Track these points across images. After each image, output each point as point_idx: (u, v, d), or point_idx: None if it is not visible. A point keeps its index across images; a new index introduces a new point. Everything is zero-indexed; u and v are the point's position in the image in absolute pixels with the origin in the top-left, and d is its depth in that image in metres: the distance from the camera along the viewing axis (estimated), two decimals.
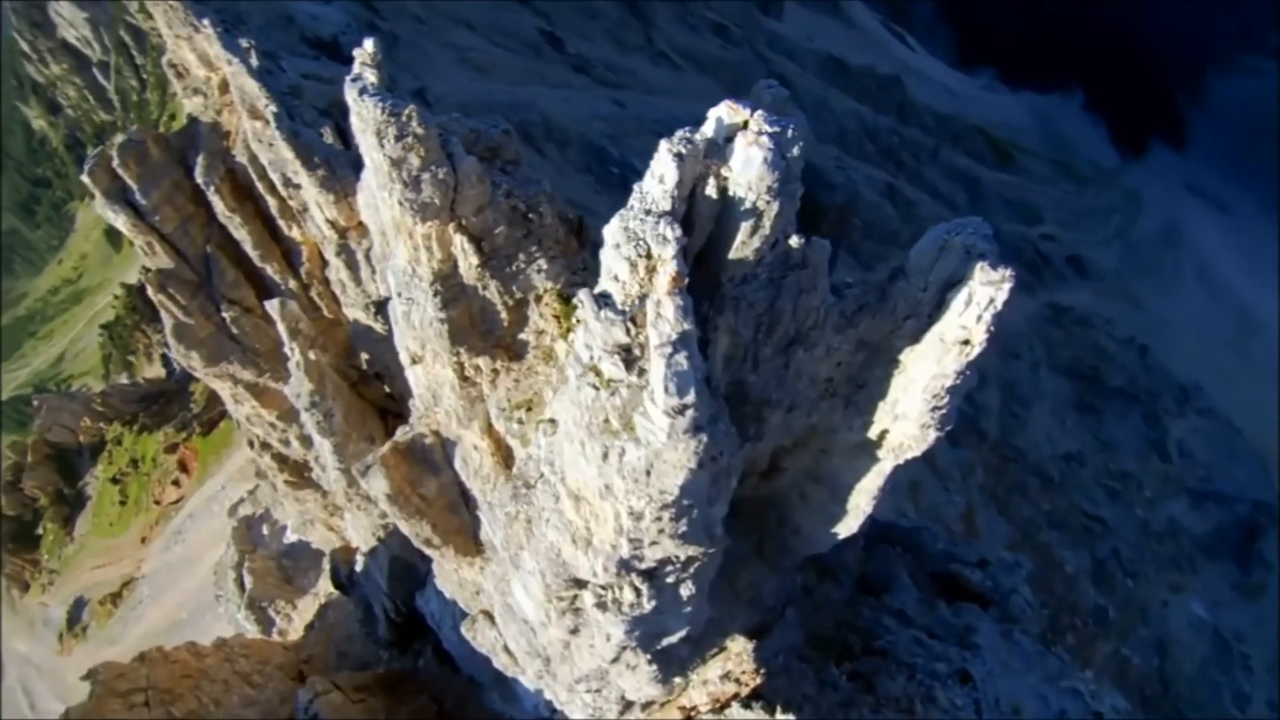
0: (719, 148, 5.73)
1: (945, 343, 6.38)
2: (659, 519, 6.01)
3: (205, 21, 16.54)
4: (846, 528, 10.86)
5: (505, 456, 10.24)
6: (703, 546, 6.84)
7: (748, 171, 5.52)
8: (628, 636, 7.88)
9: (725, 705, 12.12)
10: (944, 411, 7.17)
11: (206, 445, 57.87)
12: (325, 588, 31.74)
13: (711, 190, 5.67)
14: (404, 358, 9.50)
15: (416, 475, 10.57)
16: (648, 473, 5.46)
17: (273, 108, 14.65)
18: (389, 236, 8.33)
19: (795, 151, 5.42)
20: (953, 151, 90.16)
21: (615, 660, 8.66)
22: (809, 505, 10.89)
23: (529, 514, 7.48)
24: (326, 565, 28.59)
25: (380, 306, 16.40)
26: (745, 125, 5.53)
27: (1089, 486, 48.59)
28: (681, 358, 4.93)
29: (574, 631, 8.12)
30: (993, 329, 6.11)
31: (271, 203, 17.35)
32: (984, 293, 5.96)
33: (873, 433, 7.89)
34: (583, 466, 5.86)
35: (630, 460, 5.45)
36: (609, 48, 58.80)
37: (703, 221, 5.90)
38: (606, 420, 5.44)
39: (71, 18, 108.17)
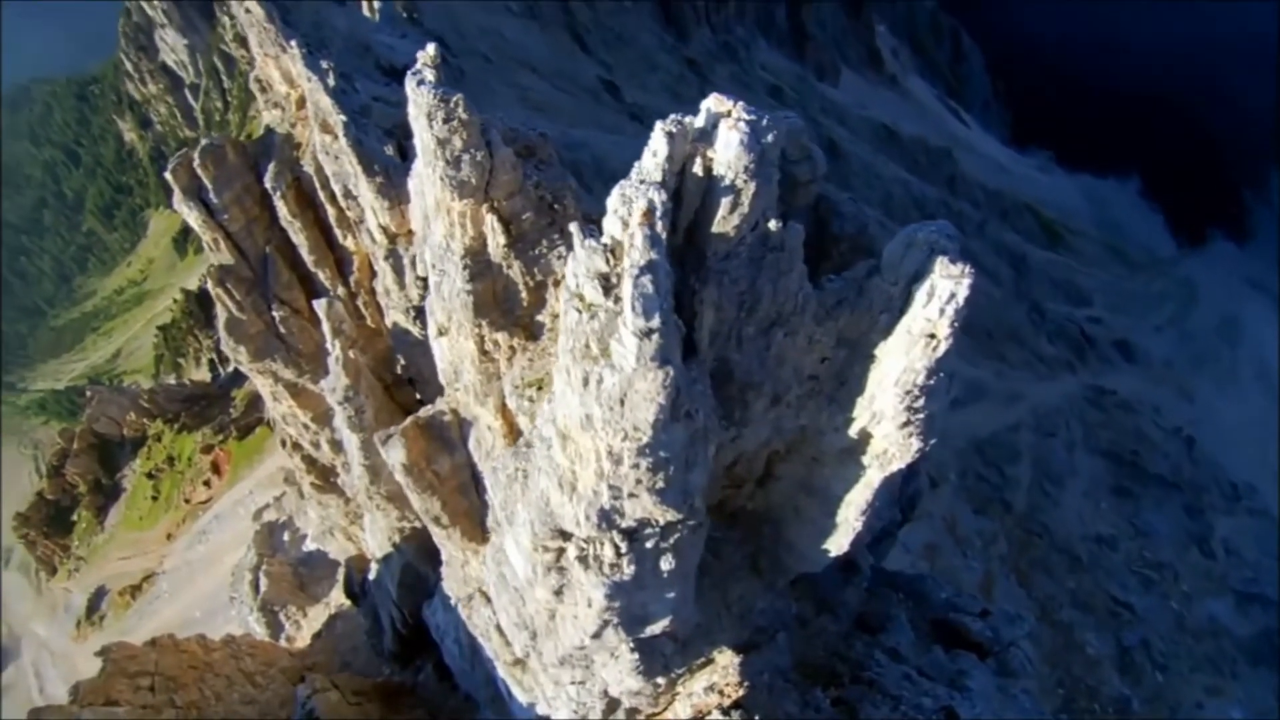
0: (707, 134, 6.54)
1: (912, 335, 6.94)
2: (636, 465, 6.59)
3: (292, 42, 18.21)
4: (837, 544, 11.23)
5: (515, 440, 10.90)
6: (680, 513, 7.36)
7: (727, 152, 6.30)
8: (609, 605, 8.34)
9: (706, 715, 12.29)
10: (921, 414, 7.65)
11: (240, 450, 59.42)
12: (337, 598, 32.25)
13: (698, 169, 6.46)
14: (432, 330, 10.38)
15: (432, 451, 11.32)
16: (622, 402, 6.08)
17: (343, 118, 16.03)
18: (430, 217, 9.30)
19: (770, 138, 6.21)
20: (1000, 226, 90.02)
21: (597, 636, 9.08)
22: (802, 519, 11.30)
23: (526, 468, 8.13)
24: (341, 574, 29.19)
25: (420, 312, 17.42)
26: (729, 113, 6.35)
27: (1120, 572, 46.80)
28: (648, 281, 5.57)
29: (558, 594, 8.61)
30: (956, 324, 6.66)
31: (331, 212, 18.66)
32: (945, 286, 6.54)
33: (856, 433, 8.38)
34: (569, 398, 6.51)
35: (607, 387, 6.08)
36: (665, 99, 61.14)
37: (690, 197, 6.67)
38: (587, 345, 6.11)
39: (173, 43, 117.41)
